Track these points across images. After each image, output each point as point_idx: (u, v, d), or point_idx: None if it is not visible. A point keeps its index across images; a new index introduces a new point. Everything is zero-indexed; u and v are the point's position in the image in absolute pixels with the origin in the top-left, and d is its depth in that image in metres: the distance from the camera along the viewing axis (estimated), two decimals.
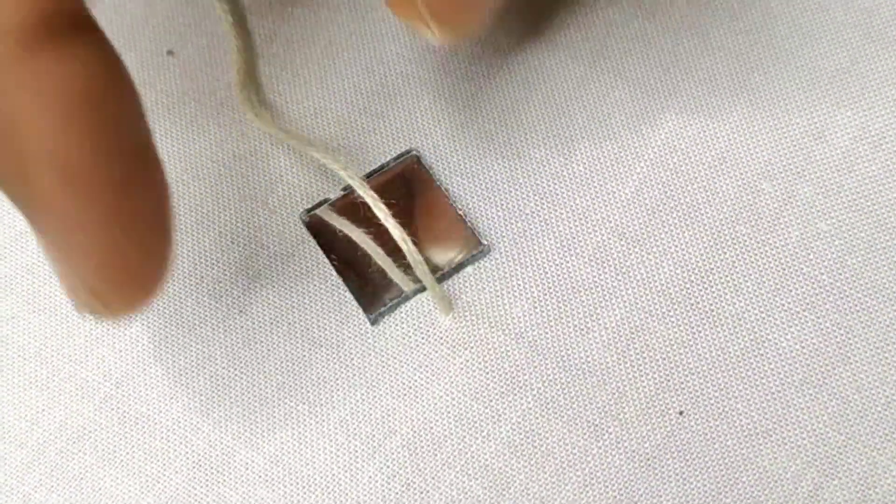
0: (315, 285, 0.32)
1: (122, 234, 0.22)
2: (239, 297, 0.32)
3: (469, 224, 0.32)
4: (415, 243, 0.30)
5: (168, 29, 0.35)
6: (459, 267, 0.31)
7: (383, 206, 0.31)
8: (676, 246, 0.31)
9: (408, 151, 0.33)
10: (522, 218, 0.32)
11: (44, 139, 0.21)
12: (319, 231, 0.32)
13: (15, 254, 0.32)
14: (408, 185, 0.32)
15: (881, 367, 0.29)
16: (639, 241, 0.31)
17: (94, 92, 0.21)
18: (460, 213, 0.32)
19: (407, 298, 0.31)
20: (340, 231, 0.31)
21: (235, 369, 0.31)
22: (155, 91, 0.34)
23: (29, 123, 0.21)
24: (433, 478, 0.29)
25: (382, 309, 0.31)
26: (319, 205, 0.32)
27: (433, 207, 0.32)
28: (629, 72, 0.33)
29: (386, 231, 0.30)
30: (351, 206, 0.32)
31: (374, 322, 0.31)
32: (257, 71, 0.34)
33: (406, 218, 0.31)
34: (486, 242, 0.31)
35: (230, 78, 0.34)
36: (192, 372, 0.31)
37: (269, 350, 0.31)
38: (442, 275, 0.31)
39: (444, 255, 0.31)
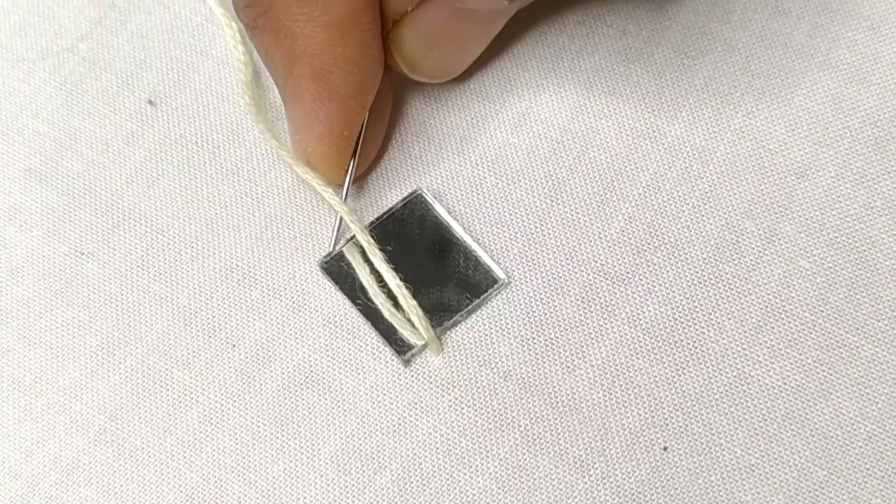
0: (304, 321, 0.32)
1: (345, 131, 0.31)
2: (232, 331, 0.32)
3: (484, 261, 0.32)
4: (409, 287, 0.31)
5: (153, 81, 0.36)
6: (479, 304, 0.32)
7: (378, 252, 0.31)
8: (661, 284, 0.32)
9: (414, 192, 0.33)
10: (509, 258, 0.32)
11: (309, 46, 0.30)
12: (338, 277, 0.32)
13: (10, 288, 0.33)
14: (421, 223, 0.33)
15: (862, 403, 0.30)
16: (624, 279, 0.32)
17: (352, 18, 0.30)
18: (475, 250, 0.32)
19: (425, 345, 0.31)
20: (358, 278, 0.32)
21: (228, 403, 0.31)
22: (146, 139, 0.35)
23: (303, 36, 0.29)
24: None
25: (415, 350, 0.31)
26: (332, 252, 0.33)
27: (445, 247, 0.32)
28: (614, 114, 0.34)
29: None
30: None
31: (406, 364, 0.31)
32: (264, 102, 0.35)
33: (417, 260, 0.32)
34: (504, 277, 0.32)
35: (224, 121, 0.35)
36: (186, 405, 0.31)
37: (261, 384, 0.31)
38: (461, 315, 0.31)
39: (463, 293, 0.32)
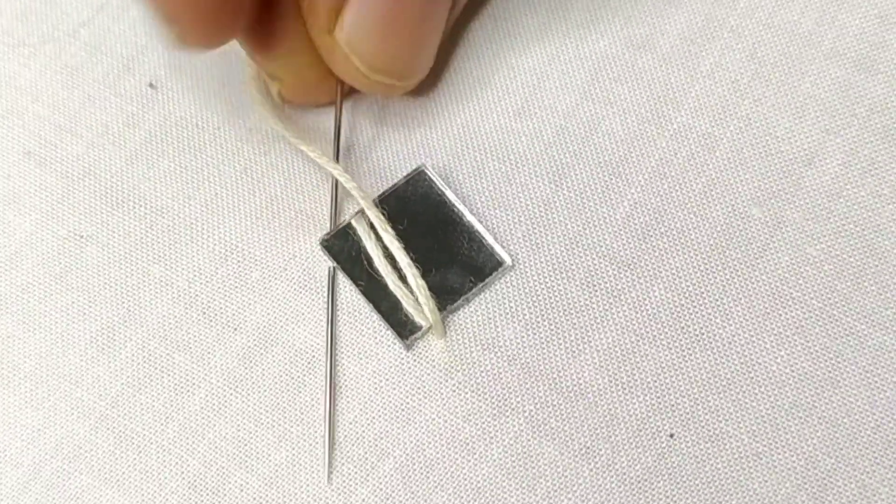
0: (305, 303, 0.32)
1: None
2: (233, 314, 0.32)
3: (489, 242, 0.32)
4: (418, 267, 0.31)
5: (154, 65, 0.36)
6: (483, 287, 0.31)
7: (390, 230, 0.31)
8: (667, 270, 0.31)
9: (417, 169, 0.32)
10: (514, 241, 0.32)
11: None
12: (339, 257, 0.32)
13: (10, 274, 0.33)
14: (424, 201, 0.32)
15: (870, 392, 0.30)
16: (630, 264, 0.32)
17: None
18: (479, 231, 0.32)
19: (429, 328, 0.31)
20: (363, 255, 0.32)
21: (230, 388, 0.31)
22: (147, 122, 0.35)
23: None
24: (425, 501, 0.29)
25: (417, 334, 0.31)
26: (337, 230, 0.32)
27: (449, 226, 0.32)
28: (619, 100, 0.34)
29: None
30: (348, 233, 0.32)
31: (409, 347, 0.31)
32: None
33: (420, 238, 0.32)
34: (508, 260, 0.32)
35: (225, 103, 0.35)
36: (188, 390, 0.31)
37: (262, 369, 0.31)
38: (465, 298, 0.31)
39: (467, 276, 0.31)
